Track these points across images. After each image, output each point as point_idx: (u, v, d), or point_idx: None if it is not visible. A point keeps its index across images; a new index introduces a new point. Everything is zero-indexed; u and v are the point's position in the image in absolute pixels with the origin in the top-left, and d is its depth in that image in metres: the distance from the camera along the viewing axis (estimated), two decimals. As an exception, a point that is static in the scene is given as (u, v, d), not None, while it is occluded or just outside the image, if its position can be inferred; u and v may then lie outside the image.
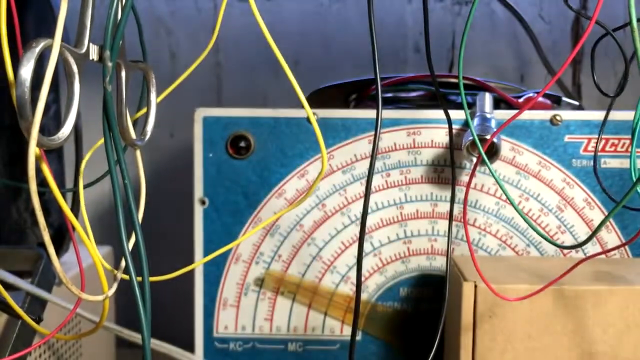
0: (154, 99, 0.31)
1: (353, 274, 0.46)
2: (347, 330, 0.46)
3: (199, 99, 0.68)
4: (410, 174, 0.45)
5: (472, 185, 0.44)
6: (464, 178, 0.44)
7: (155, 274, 0.31)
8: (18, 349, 0.33)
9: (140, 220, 0.27)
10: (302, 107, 0.28)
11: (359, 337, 0.46)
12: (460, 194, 0.44)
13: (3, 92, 0.41)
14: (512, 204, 0.33)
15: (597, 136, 0.44)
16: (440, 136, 0.44)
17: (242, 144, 0.45)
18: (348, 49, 0.67)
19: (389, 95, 0.48)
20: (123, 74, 0.28)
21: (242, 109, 0.45)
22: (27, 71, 0.20)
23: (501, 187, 0.33)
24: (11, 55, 0.21)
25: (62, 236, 0.47)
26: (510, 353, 0.36)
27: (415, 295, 0.46)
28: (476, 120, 0.42)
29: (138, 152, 0.30)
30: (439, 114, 0.44)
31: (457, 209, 0.44)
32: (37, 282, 0.34)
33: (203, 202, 0.45)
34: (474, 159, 0.41)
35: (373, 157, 0.39)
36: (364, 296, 0.46)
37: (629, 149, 0.44)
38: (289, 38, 0.67)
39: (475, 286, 0.36)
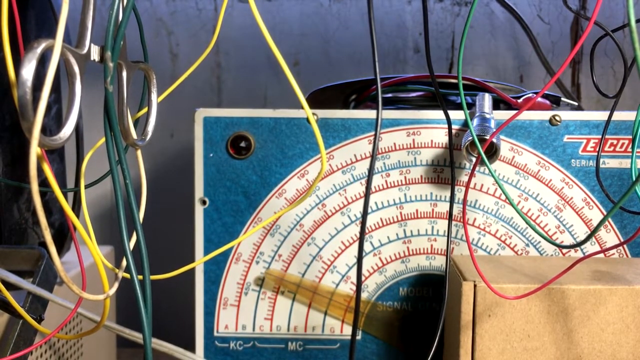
0: (154, 99, 0.31)
1: (353, 274, 0.46)
2: (347, 330, 0.46)
3: (199, 99, 0.68)
4: (410, 174, 0.45)
5: (472, 185, 0.44)
6: (464, 178, 0.44)
7: (156, 273, 0.31)
8: (19, 348, 0.33)
9: (141, 220, 0.27)
10: (302, 107, 0.28)
11: (358, 337, 0.46)
12: (459, 194, 0.44)
13: (5, 93, 0.41)
14: (511, 203, 0.34)
15: (595, 136, 0.44)
16: (440, 136, 0.44)
17: (243, 144, 0.45)
18: (348, 49, 0.67)
19: (389, 95, 0.48)
20: (124, 74, 0.28)
21: (242, 109, 0.45)
22: (28, 71, 0.20)
23: (500, 187, 0.33)
24: (12, 56, 0.21)
25: (64, 236, 0.47)
26: (509, 352, 0.36)
27: (414, 295, 0.46)
28: (475, 121, 0.42)
29: (139, 152, 0.30)
30: (438, 114, 0.44)
31: (457, 208, 0.44)
32: (38, 282, 0.34)
33: (204, 202, 0.45)
34: (474, 159, 0.42)
35: (373, 157, 0.39)
36: (363, 295, 0.46)
37: (628, 149, 0.44)
38: (289, 38, 0.67)
39: (475, 286, 0.36)
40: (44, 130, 0.45)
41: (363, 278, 0.46)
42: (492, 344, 0.36)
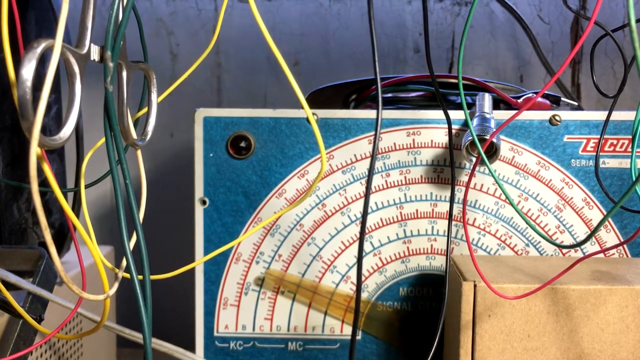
0: (154, 99, 0.31)
1: (353, 274, 0.46)
2: (347, 330, 0.46)
3: (199, 99, 0.68)
4: (410, 174, 0.45)
5: (472, 185, 0.44)
6: (464, 178, 0.44)
7: (156, 273, 0.31)
8: (19, 348, 0.33)
9: (141, 220, 0.27)
10: (302, 107, 0.28)
11: (358, 337, 0.46)
12: (459, 194, 0.44)
13: (5, 93, 0.41)
14: (511, 203, 0.34)
15: (596, 136, 0.44)
16: (440, 136, 0.44)
17: (243, 144, 0.45)
18: (348, 49, 0.67)
19: (389, 95, 0.48)
20: (124, 74, 0.28)
21: (242, 109, 0.45)
22: (28, 71, 0.20)
23: (500, 187, 0.33)
24: (12, 56, 0.21)
25: (64, 236, 0.47)
26: (509, 352, 0.36)
27: (414, 295, 0.46)
28: (475, 121, 0.42)
29: (139, 152, 0.30)
30: (438, 114, 0.44)
31: (457, 208, 0.44)
32: (38, 282, 0.34)
33: (204, 202, 0.45)
34: (474, 159, 0.42)
35: (373, 157, 0.39)
36: (363, 295, 0.46)
37: (628, 149, 0.44)
38: (289, 38, 0.67)
39: (475, 286, 0.36)
40: (44, 130, 0.45)
41: (363, 278, 0.46)
42: (492, 344, 0.36)
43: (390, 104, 0.48)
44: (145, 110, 0.32)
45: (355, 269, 0.46)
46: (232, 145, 0.45)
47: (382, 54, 0.67)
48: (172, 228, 0.68)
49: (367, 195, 0.39)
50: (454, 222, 0.45)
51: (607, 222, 0.44)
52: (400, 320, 0.46)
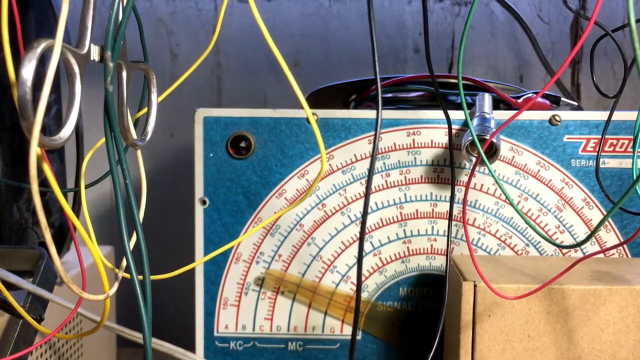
0: (154, 99, 0.31)
1: (353, 274, 0.46)
2: (347, 330, 0.46)
3: (199, 99, 0.68)
4: (410, 174, 0.45)
5: (472, 185, 0.44)
6: (464, 178, 0.44)
7: (156, 273, 0.31)
8: (19, 348, 0.33)
9: (141, 220, 0.27)
10: (302, 107, 0.28)
11: (358, 337, 0.46)
12: (459, 194, 0.44)
13: (5, 93, 0.41)
14: (511, 204, 0.34)
15: (595, 136, 0.44)
16: (440, 136, 0.44)
17: (243, 144, 0.45)
18: (348, 49, 0.67)
19: (389, 95, 0.48)
20: (124, 74, 0.28)
21: (242, 109, 0.45)
22: (28, 71, 0.20)
23: (500, 187, 0.33)
24: (12, 56, 0.21)
25: (64, 236, 0.47)
26: (509, 352, 0.36)
27: (414, 295, 0.46)
28: (475, 121, 0.42)
29: (139, 152, 0.30)
30: (438, 114, 0.44)
31: (457, 208, 0.44)
32: (38, 282, 0.34)
33: (204, 202, 0.45)
34: (474, 159, 0.42)
35: (373, 157, 0.39)
36: (363, 295, 0.46)
37: (628, 149, 0.44)
38: (289, 38, 0.67)
39: (475, 286, 0.36)
40: (44, 130, 0.45)
41: (363, 278, 0.46)
42: (492, 344, 0.36)
43: (390, 104, 0.48)
44: (145, 110, 0.32)
45: (355, 269, 0.46)
46: (232, 145, 0.45)
47: (382, 54, 0.67)
48: (172, 228, 0.68)
49: (367, 195, 0.39)
50: (454, 222, 0.45)
51: (607, 222, 0.44)
52: (400, 320, 0.46)
